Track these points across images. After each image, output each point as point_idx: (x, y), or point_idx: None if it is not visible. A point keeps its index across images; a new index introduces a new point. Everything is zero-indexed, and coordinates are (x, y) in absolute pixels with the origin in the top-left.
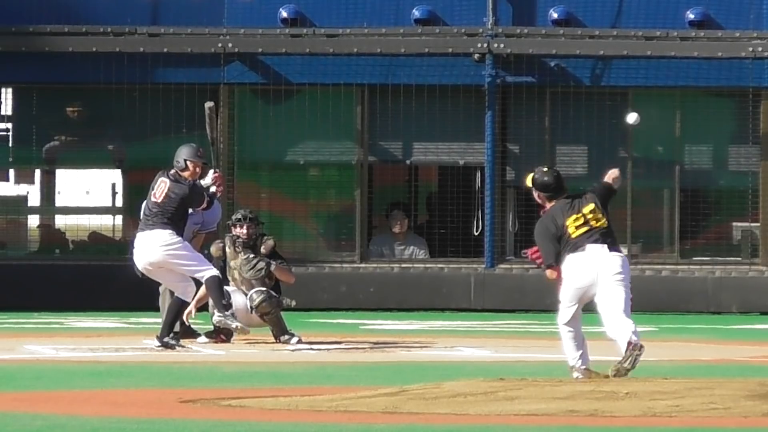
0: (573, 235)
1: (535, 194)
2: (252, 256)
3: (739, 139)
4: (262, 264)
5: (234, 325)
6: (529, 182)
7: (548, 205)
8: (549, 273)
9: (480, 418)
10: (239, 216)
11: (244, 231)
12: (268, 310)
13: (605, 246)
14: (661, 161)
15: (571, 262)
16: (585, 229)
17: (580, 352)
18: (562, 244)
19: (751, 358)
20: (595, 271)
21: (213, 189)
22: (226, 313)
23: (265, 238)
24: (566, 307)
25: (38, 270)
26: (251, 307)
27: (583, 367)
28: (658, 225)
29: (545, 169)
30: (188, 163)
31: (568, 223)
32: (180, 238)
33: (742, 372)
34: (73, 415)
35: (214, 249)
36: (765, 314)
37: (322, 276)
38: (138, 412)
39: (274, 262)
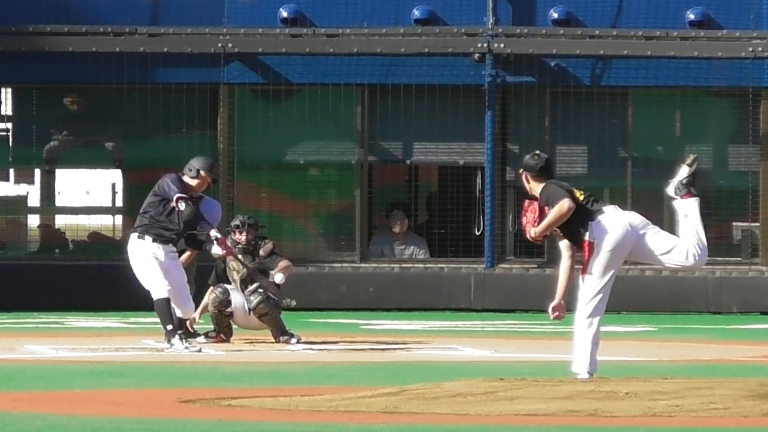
0: (581, 198)
1: (524, 177)
2: (250, 289)
3: (739, 139)
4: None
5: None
6: (520, 171)
7: (537, 190)
8: (564, 203)
9: (480, 418)
10: (237, 222)
11: (243, 237)
12: (266, 311)
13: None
14: (661, 161)
15: (598, 225)
16: (587, 193)
17: (590, 359)
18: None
19: (751, 358)
20: (626, 224)
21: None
22: (173, 339)
23: (264, 241)
24: (596, 284)
25: (38, 270)
26: (249, 308)
27: (588, 376)
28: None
29: (537, 152)
30: (201, 172)
31: (572, 189)
32: (140, 248)
33: (742, 372)
34: (73, 415)
35: (214, 249)
36: (765, 314)
37: (322, 276)
38: (138, 412)
39: (276, 277)
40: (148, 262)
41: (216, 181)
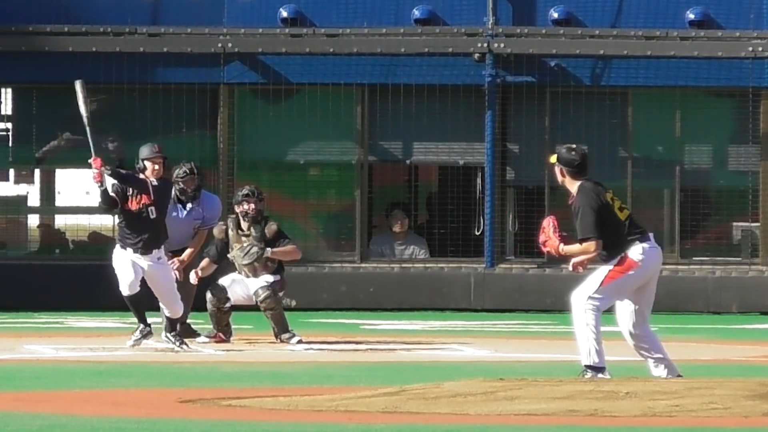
0: (623, 218)
1: (557, 170)
2: (246, 244)
3: (739, 139)
4: (255, 249)
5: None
6: (553, 159)
7: (571, 187)
8: (591, 245)
9: (480, 418)
10: (246, 192)
11: (252, 206)
12: (273, 306)
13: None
14: (661, 161)
15: (647, 250)
16: (627, 212)
17: (601, 351)
18: (609, 224)
19: (751, 358)
20: (657, 268)
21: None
22: (138, 335)
23: (270, 222)
24: (614, 294)
25: (38, 270)
26: (256, 302)
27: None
28: (658, 225)
29: (573, 146)
30: (145, 162)
31: (608, 199)
32: (120, 256)
33: (742, 372)
34: (73, 415)
35: (216, 231)
36: (765, 314)
37: (322, 276)
38: (138, 412)
39: (269, 249)
40: (121, 264)
41: (166, 157)
